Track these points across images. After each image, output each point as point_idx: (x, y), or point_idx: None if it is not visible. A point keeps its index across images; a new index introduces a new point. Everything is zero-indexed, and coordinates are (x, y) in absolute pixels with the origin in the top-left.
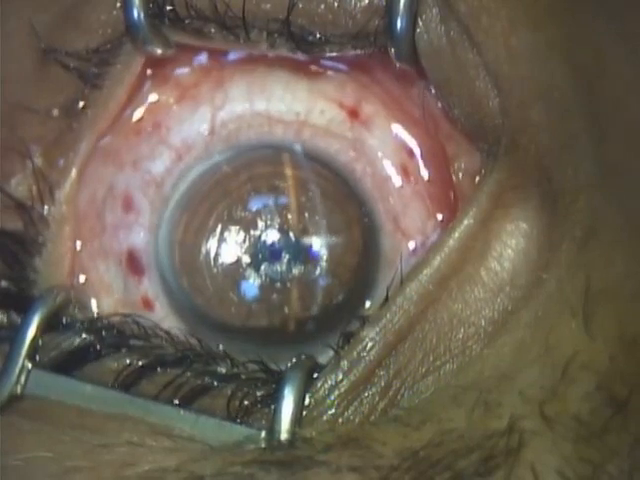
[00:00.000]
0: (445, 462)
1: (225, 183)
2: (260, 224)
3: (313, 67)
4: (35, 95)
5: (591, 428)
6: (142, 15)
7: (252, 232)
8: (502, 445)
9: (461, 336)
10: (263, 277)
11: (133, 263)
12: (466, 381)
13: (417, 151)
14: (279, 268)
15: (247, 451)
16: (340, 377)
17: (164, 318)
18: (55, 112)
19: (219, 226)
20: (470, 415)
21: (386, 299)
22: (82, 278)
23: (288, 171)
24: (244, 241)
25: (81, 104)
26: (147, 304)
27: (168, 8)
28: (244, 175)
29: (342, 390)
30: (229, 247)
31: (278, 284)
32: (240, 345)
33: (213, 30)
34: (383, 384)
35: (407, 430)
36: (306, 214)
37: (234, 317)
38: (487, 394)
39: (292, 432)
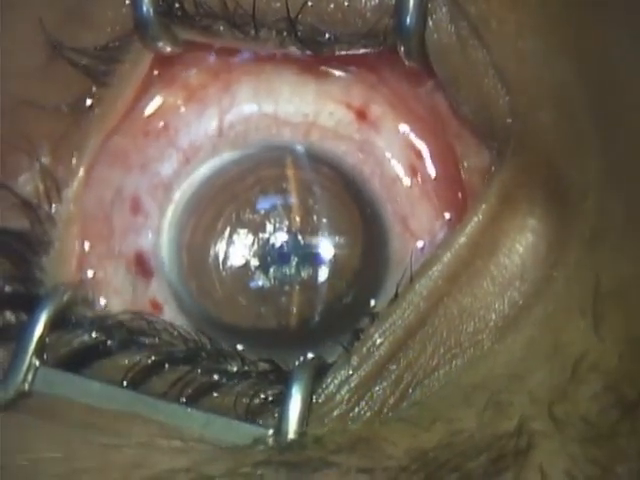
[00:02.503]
0: (454, 463)
1: (233, 185)
2: (268, 226)
3: (321, 67)
4: (43, 92)
5: (600, 429)
6: (151, 12)
7: (260, 234)
8: (511, 446)
9: (471, 330)
10: (272, 279)
11: (141, 266)
12: (477, 378)
13: (425, 151)
14: (288, 270)
15: (257, 452)
16: (350, 372)
17: (173, 320)
18: (63, 109)
19: (227, 229)
20: (480, 415)
21: (395, 296)
22: (90, 276)
23: (296, 173)
24: (252, 243)
25: (89, 102)
26: (155, 306)
27: (177, 5)
28: (252, 177)
29: (352, 385)
30: (237, 250)
31: (287, 286)
32: (250, 347)
33: (222, 28)
34: (394, 378)
35: (417, 430)
36: (314, 216)
37: (243, 319)
38: (498, 394)
39: (300, 431)
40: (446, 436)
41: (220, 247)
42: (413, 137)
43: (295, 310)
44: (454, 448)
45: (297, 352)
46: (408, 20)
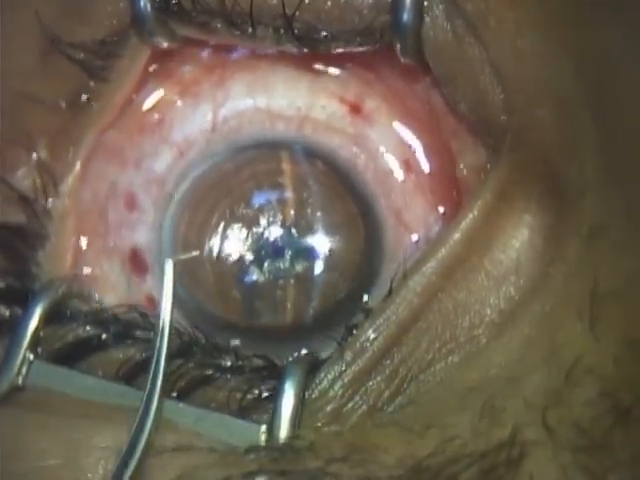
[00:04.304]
0: (447, 473)
1: (227, 180)
2: (262, 221)
3: (316, 64)
4: (40, 87)
5: (593, 437)
6: (149, 7)
7: (254, 229)
8: (503, 457)
9: (467, 324)
10: (266, 273)
11: (136, 261)
12: (472, 378)
13: (419, 145)
14: (282, 264)
15: (250, 460)
16: (344, 368)
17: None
18: (60, 104)
19: (222, 223)
20: (475, 421)
21: (389, 292)
22: (85, 272)
23: (290, 167)
24: (246, 238)
25: (86, 97)
26: (151, 302)
27: (174, 1)
28: (246, 172)
29: (346, 380)
30: (232, 244)
31: (281, 280)
32: (244, 342)
33: (219, 25)
34: (388, 373)
35: (411, 436)
36: (308, 210)
37: (237, 314)
38: (492, 398)
39: (292, 428)
40: (440, 443)
41: (215, 242)
42: (408, 132)
43: (289, 304)
44: (448, 456)
45: (291, 348)
46: (404, 17)
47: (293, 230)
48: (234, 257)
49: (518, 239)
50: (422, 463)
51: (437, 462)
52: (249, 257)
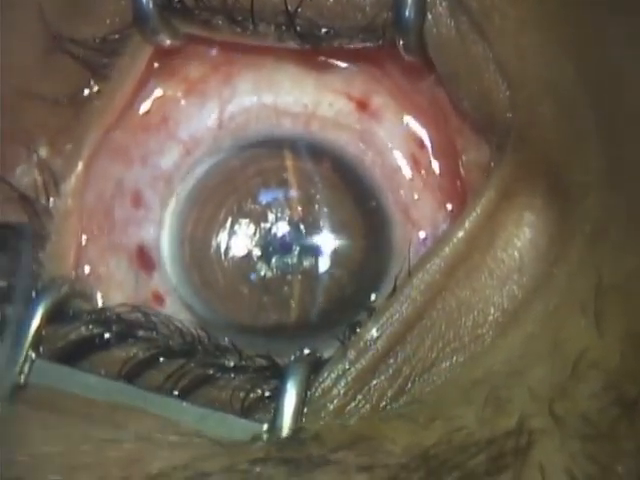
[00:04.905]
0: (454, 461)
1: (234, 177)
2: (269, 217)
3: (321, 59)
4: (42, 84)
5: (599, 428)
6: (151, 5)
7: (261, 225)
8: (511, 444)
9: (470, 323)
10: (273, 270)
11: (143, 258)
12: (477, 374)
13: (427, 142)
14: (289, 261)
15: (255, 448)
16: (347, 366)
17: (175, 313)
18: (62, 101)
19: (229, 220)
20: (480, 412)
21: (393, 290)
22: (87, 271)
23: (297, 164)
24: (254, 235)
25: (87, 94)
26: (158, 299)
27: None
28: (252, 168)
29: (349, 379)
30: (239, 241)
31: (288, 276)
32: (249, 339)
33: (221, 22)
34: (391, 372)
35: (416, 427)
36: (315, 206)
37: (244, 310)
38: (497, 390)
39: (294, 426)
40: (446, 434)
41: (222, 238)
42: (415, 128)
43: (296, 300)
44: (454, 446)
45: (296, 343)
46: (407, 14)
47: (300, 227)
48: (241, 254)
49: (521, 238)
50: (429, 451)
51: (444, 450)
52: (256, 253)
